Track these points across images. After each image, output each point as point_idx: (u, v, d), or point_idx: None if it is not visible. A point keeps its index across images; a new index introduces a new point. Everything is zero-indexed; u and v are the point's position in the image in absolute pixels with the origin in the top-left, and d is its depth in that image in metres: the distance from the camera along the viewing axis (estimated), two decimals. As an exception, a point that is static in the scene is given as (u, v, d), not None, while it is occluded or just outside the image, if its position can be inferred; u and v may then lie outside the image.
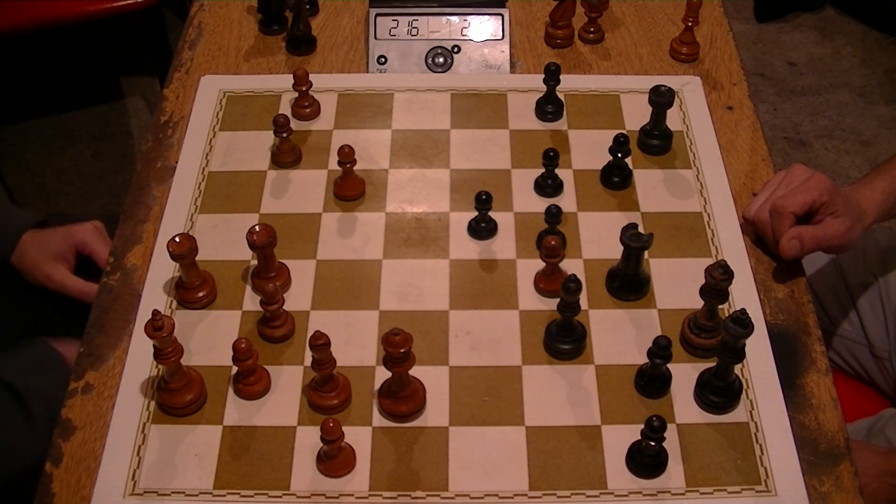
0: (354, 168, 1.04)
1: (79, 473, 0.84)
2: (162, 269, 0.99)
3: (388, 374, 0.86)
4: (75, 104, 2.43)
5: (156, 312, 0.81)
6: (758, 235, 1.02)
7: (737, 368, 0.90)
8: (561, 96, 1.15)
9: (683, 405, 0.88)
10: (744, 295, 0.96)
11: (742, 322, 0.82)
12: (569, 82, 1.18)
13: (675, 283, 0.98)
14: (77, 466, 0.84)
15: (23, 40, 2.40)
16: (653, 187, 1.07)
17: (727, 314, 0.94)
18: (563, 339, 0.91)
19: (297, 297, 0.97)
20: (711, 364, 0.89)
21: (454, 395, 0.89)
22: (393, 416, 0.87)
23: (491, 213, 1.01)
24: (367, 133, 1.13)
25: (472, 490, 0.82)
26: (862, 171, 2.33)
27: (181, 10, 2.40)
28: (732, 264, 0.87)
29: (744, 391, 0.88)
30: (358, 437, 0.85)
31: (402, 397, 0.86)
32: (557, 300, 0.88)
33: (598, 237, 1.02)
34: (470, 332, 0.93)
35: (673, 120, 1.13)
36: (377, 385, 0.89)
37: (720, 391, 0.87)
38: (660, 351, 0.85)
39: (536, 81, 1.14)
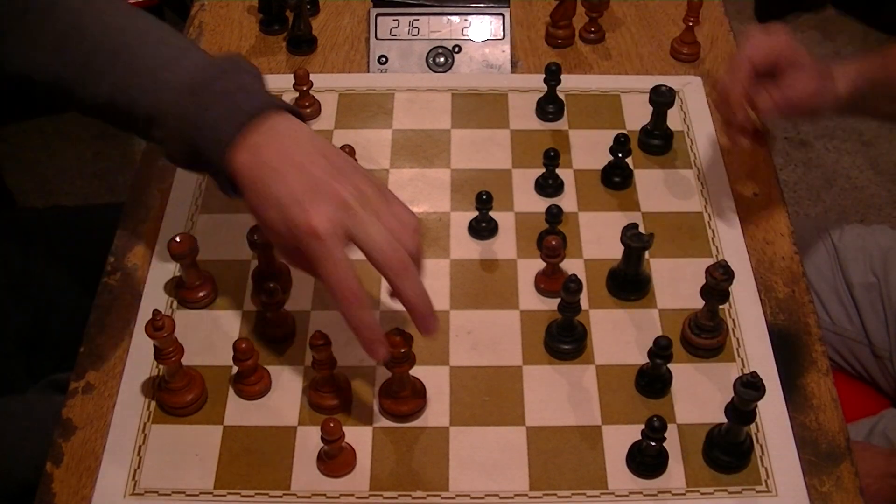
0: (355, 168, 1.04)
1: (79, 473, 0.84)
2: (162, 268, 0.99)
3: (389, 374, 0.86)
4: (76, 104, 2.43)
5: (156, 312, 0.81)
6: (759, 237, 1.01)
7: (737, 368, 0.91)
8: (562, 96, 1.15)
9: (684, 405, 0.88)
10: (744, 295, 0.96)
11: (755, 385, 0.77)
12: (569, 82, 1.18)
13: (676, 284, 0.98)
14: (77, 466, 0.84)
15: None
16: (653, 187, 1.07)
17: (728, 314, 0.94)
18: (564, 339, 0.91)
19: (298, 297, 0.96)
20: (720, 403, 0.88)
21: (455, 394, 0.89)
22: (393, 416, 0.87)
23: (491, 213, 1.01)
24: (368, 133, 1.13)
25: (473, 490, 0.82)
26: (863, 172, 2.33)
27: (182, 10, 2.40)
28: (733, 264, 0.87)
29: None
30: (358, 437, 0.85)
31: (402, 397, 0.86)
32: (558, 300, 0.88)
33: (598, 237, 1.02)
34: (470, 332, 0.93)
35: (674, 120, 1.13)
36: (378, 385, 0.89)
37: (731, 450, 0.83)
38: (660, 351, 0.84)
39: (537, 81, 1.14)
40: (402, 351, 0.81)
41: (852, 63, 0.99)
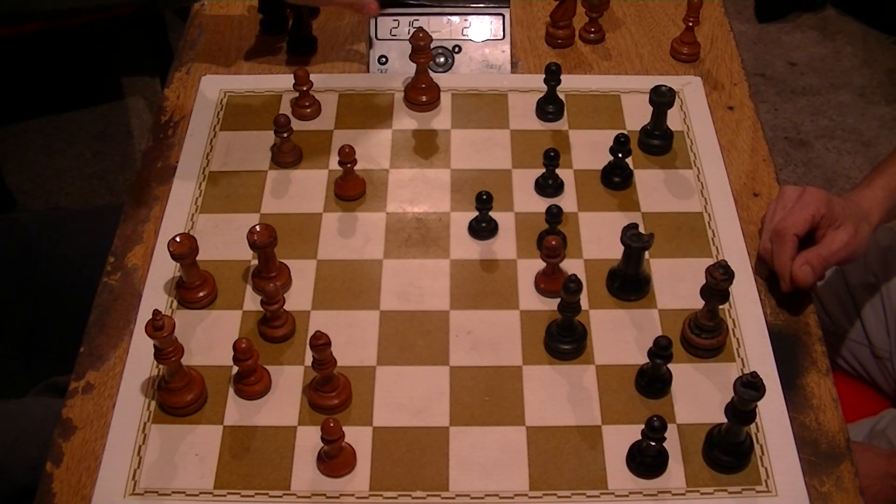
0: (355, 168, 1.04)
1: (79, 473, 0.84)
2: (162, 268, 0.99)
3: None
4: (76, 104, 2.43)
5: (156, 312, 0.81)
6: (756, 234, 1.01)
7: (737, 368, 0.91)
8: (562, 96, 1.15)
9: (683, 405, 0.88)
10: (744, 295, 0.96)
11: (755, 385, 0.78)
12: (569, 82, 1.18)
13: (676, 284, 0.98)
14: (77, 466, 0.84)
15: (23, 40, 2.40)
16: (653, 187, 1.07)
17: (728, 314, 0.94)
18: (564, 339, 0.91)
19: (298, 297, 0.97)
20: (719, 408, 0.87)
21: (455, 395, 0.89)
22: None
23: (491, 213, 1.01)
24: (368, 133, 1.13)
25: (473, 490, 0.82)
26: (863, 172, 2.33)
27: (182, 10, 2.40)
28: (733, 264, 0.87)
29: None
30: (358, 437, 0.85)
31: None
32: (558, 300, 0.88)
33: (598, 237, 1.02)
34: (470, 332, 0.93)
35: (673, 120, 1.13)
36: (378, 385, 0.89)
37: (731, 450, 0.83)
38: (660, 351, 0.84)
39: (537, 81, 1.14)
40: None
41: (878, 179, 1.04)
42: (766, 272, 0.99)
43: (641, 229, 0.95)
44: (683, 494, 0.82)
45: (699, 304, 0.90)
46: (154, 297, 0.97)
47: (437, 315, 0.95)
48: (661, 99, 1.07)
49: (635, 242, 0.92)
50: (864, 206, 1.01)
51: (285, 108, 1.16)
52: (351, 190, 1.05)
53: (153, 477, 0.83)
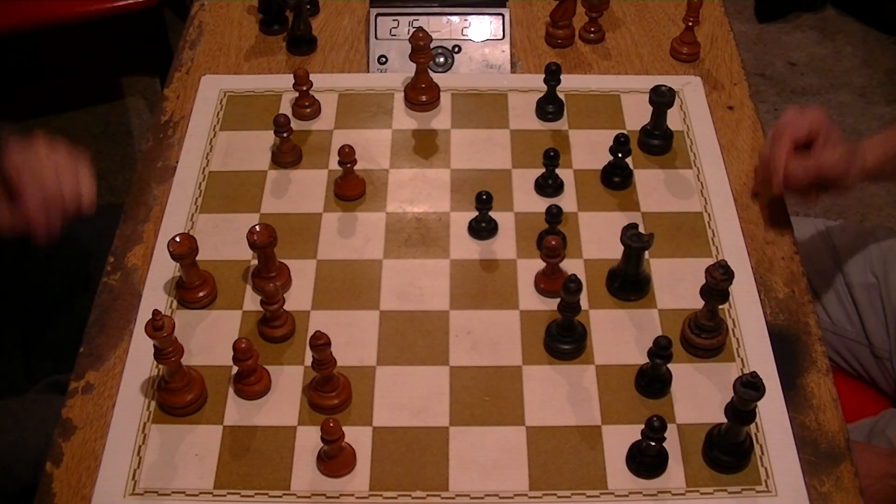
0: (355, 168, 1.04)
1: (79, 473, 0.84)
2: (162, 268, 0.99)
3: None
4: (75, 104, 2.43)
5: (156, 312, 0.81)
6: (759, 237, 1.02)
7: (737, 368, 0.90)
8: (561, 96, 1.15)
9: (683, 405, 0.88)
10: (744, 295, 0.96)
11: (755, 385, 0.78)
12: (569, 82, 1.18)
13: (676, 283, 0.98)
14: (77, 466, 0.84)
15: (23, 40, 2.40)
16: (653, 187, 1.07)
17: (728, 314, 0.95)
18: (564, 339, 0.91)
19: (298, 297, 0.97)
20: (719, 408, 0.87)
21: (454, 395, 0.89)
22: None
23: (491, 213, 1.01)
24: (368, 133, 1.13)
25: (473, 490, 0.82)
26: (862, 172, 2.32)
27: (181, 10, 2.40)
28: (733, 264, 0.87)
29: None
30: (358, 437, 0.85)
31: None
32: (558, 300, 0.88)
33: (598, 237, 1.02)
34: (470, 332, 0.93)
35: (673, 120, 1.13)
36: (378, 385, 0.89)
37: (731, 450, 0.83)
38: (660, 351, 0.84)
39: (537, 81, 1.14)
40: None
41: (879, 136, 1.08)
42: (760, 195, 1.04)
43: (641, 229, 0.95)
44: (683, 494, 0.82)
45: (699, 304, 0.90)
46: (154, 297, 0.97)
47: (436, 315, 0.95)
48: (661, 99, 1.07)
49: (635, 242, 0.92)
50: (861, 150, 1.05)
51: (285, 108, 1.16)
52: (351, 190, 1.05)
53: (153, 477, 0.83)
